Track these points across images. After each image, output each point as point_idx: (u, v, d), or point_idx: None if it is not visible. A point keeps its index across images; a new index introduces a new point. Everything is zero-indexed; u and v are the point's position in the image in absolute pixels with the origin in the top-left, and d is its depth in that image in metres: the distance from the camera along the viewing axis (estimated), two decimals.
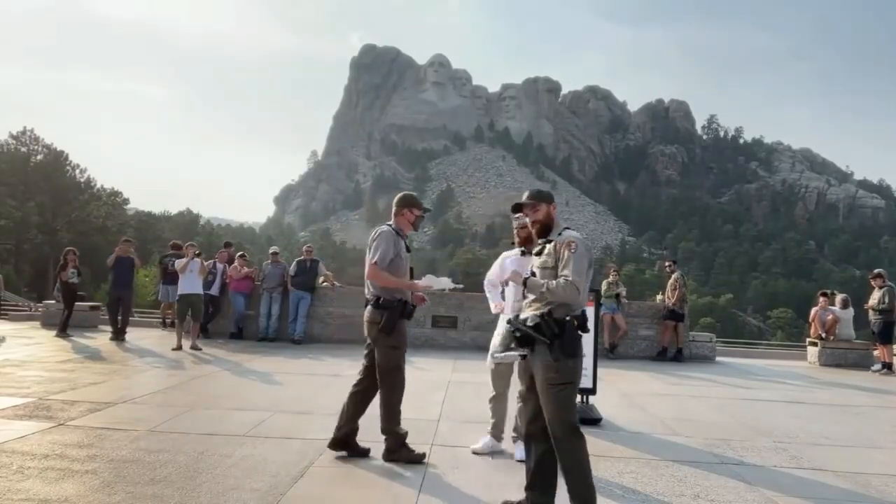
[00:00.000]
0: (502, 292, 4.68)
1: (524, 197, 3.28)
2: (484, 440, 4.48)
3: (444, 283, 4.37)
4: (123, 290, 10.69)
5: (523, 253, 4.47)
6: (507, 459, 4.31)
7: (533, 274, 3.19)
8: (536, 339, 3.04)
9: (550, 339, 3.00)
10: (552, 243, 3.16)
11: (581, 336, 3.10)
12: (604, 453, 4.59)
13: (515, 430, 4.40)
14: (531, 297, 3.16)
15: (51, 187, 44.09)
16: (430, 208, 4.47)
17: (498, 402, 4.56)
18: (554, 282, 3.04)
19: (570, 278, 3.02)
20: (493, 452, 4.42)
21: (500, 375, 4.58)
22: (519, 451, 4.31)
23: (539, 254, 3.23)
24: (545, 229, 3.24)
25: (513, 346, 3.21)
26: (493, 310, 4.75)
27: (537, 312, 3.08)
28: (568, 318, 3.03)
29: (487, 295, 4.84)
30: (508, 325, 3.22)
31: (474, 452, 4.40)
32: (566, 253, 3.07)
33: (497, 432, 4.51)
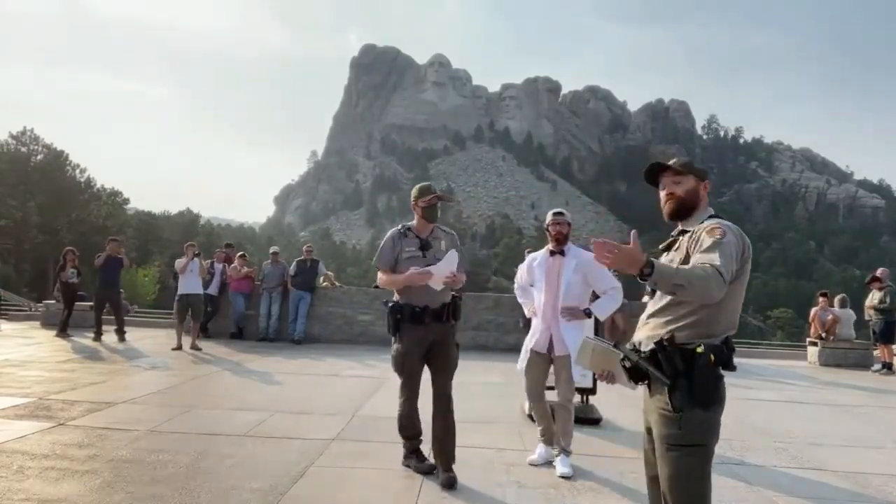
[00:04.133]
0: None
1: (668, 162, 2.30)
2: (538, 450, 4.22)
3: (442, 268, 3.65)
4: (111, 290, 10.65)
5: (552, 253, 4.23)
6: (508, 460, 4.31)
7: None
8: (652, 376, 2.09)
9: (671, 378, 2.01)
10: (688, 234, 2.17)
11: (722, 376, 2.06)
12: (604, 453, 4.59)
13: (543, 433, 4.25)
14: (653, 308, 2.18)
15: (51, 187, 44.05)
16: (436, 192, 3.81)
17: (539, 407, 4.26)
18: (690, 265, 1.98)
19: (716, 263, 1.93)
20: (549, 462, 4.14)
21: (532, 377, 4.26)
22: (540, 453, 4.21)
23: (668, 248, 2.26)
24: (682, 210, 2.23)
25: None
26: (528, 313, 4.44)
27: (652, 337, 2.10)
28: (700, 347, 2.00)
29: (520, 301, 4.54)
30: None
31: (531, 464, 4.13)
32: (706, 238, 2.04)
33: (548, 438, 4.21)
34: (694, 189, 2.25)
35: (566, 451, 4.08)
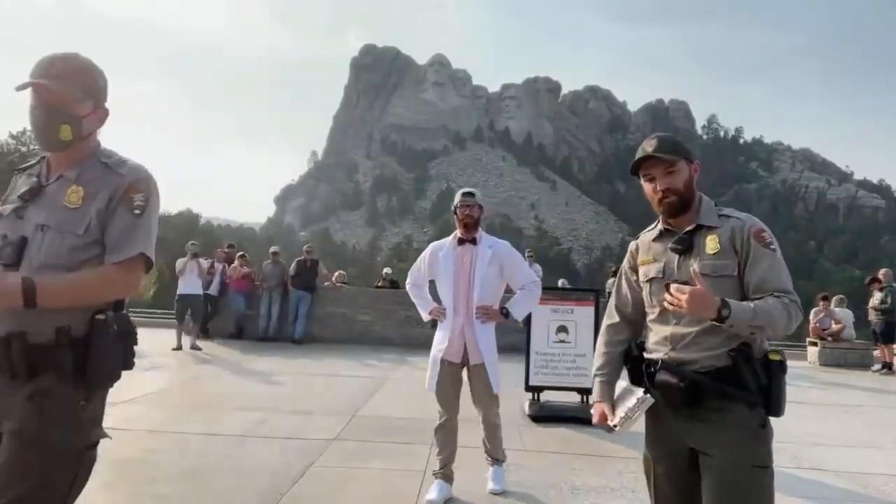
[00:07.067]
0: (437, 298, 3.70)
1: (650, 147, 1.88)
2: (435, 487, 3.45)
3: None
4: None
5: (461, 242, 3.54)
6: (508, 460, 4.30)
7: (683, 282, 1.80)
8: (721, 396, 1.78)
9: (758, 393, 1.77)
10: (715, 232, 1.86)
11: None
12: (604, 453, 4.59)
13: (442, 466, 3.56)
14: (699, 326, 1.83)
15: None
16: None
17: (448, 427, 3.58)
18: (771, 301, 1.74)
19: (793, 295, 1.78)
20: (448, 499, 3.46)
21: (445, 391, 3.57)
22: (438, 490, 3.43)
23: (685, 250, 1.89)
24: (682, 204, 1.90)
25: (636, 399, 1.90)
26: (426, 316, 3.72)
27: (717, 350, 1.80)
28: (776, 355, 1.81)
29: (414, 300, 3.77)
30: (661, 374, 1.86)
31: (428, 502, 3.39)
32: (760, 249, 1.81)
33: (447, 472, 3.54)
34: (690, 177, 1.91)
35: (498, 461, 3.67)
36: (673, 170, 1.88)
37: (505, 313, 3.52)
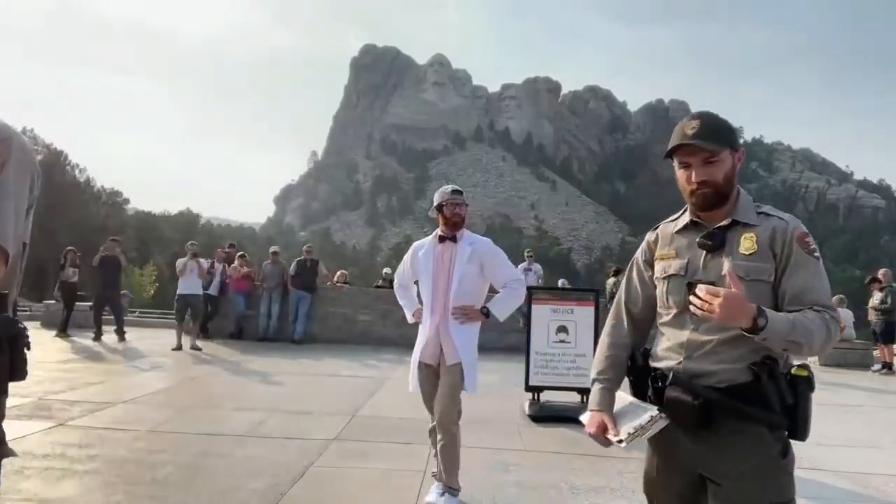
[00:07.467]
0: (418, 295, 3.59)
1: (690, 131, 1.58)
2: (435, 489, 3.44)
3: None
4: (112, 291, 10.68)
5: (442, 239, 3.41)
6: (507, 460, 4.31)
7: (711, 283, 1.53)
8: (741, 416, 1.54)
9: (783, 414, 1.53)
10: (752, 230, 1.60)
11: None
12: (604, 453, 4.58)
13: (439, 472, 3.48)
14: (722, 336, 1.57)
15: (50, 187, 44.09)
16: None
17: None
18: (811, 315, 1.50)
19: (834, 311, 1.54)
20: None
21: (430, 395, 3.45)
22: (437, 492, 3.40)
23: (716, 247, 1.62)
24: (718, 197, 1.62)
25: (648, 419, 1.61)
26: (410, 319, 3.60)
27: (739, 364, 1.55)
28: (803, 370, 1.57)
29: (401, 303, 3.69)
30: (672, 389, 1.61)
31: None
32: (802, 254, 1.57)
33: (454, 480, 3.38)
34: (732, 168, 1.62)
35: (451, 491, 3.33)
36: (714, 160, 1.59)
37: (485, 313, 3.38)
